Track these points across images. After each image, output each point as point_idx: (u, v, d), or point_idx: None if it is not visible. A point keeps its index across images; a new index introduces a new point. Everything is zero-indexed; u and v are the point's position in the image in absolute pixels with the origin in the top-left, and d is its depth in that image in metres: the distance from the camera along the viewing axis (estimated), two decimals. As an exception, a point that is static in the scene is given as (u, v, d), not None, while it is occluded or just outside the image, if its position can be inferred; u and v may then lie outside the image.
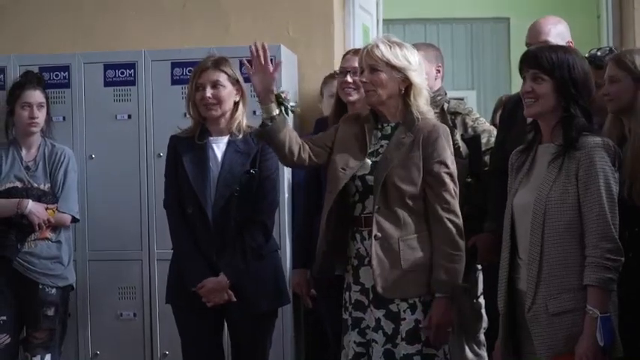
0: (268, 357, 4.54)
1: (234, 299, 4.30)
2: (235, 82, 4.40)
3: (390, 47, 3.94)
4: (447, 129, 3.98)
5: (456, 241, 3.87)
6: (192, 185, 4.34)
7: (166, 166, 4.47)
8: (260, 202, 4.37)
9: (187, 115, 5.07)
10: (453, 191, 3.90)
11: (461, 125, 4.90)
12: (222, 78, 4.37)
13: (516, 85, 9.48)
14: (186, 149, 4.41)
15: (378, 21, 6.67)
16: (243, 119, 4.42)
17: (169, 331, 5.14)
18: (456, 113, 4.92)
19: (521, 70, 3.64)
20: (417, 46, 4.97)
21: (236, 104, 4.40)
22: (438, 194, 3.88)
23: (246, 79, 4.26)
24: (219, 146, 4.40)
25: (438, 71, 5.04)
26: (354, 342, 3.98)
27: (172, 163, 4.44)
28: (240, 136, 4.39)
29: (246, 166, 4.36)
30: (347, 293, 4.04)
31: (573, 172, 3.42)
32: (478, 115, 5.00)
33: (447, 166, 3.89)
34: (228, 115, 4.40)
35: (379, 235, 3.89)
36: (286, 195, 5.10)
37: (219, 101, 4.36)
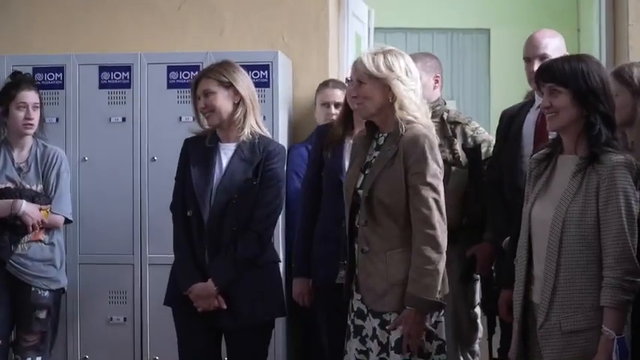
0: None
1: (224, 306, 4.27)
2: (229, 85, 4.34)
3: (374, 58, 3.92)
4: (431, 137, 3.87)
5: (428, 256, 3.77)
6: (194, 188, 4.34)
7: (177, 168, 4.46)
8: (258, 212, 4.32)
9: (182, 119, 5.13)
10: (431, 203, 3.79)
11: (461, 135, 4.92)
12: (212, 85, 4.33)
13: (495, 96, 9.68)
14: (196, 152, 4.41)
15: (369, 29, 6.69)
16: (255, 125, 4.37)
17: (160, 336, 5.27)
18: (455, 123, 4.94)
19: (538, 86, 3.62)
20: (414, 56, 4.94)
21: (237, 106, 4.34)
22: (415, 207, 3.81)
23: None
24: (226, 152, 4.38)
25: (437, 81, 5.04)
26: (356, 349, 3.99)
27: (182, 166, 4.43)
28: (248, 143, 4.36)
29: (248, 174, 4.33)
30: (351, 301, 4.04)
31: (593, 189, 3.36)
32: (477, 125, 5.02)
33: (424, 177, 3.80)
34: (232, 119, 4.36)
35: (366, 249, 3.91)
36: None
37: (212, 109, 4.33)
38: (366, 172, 3.95)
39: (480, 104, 10.03)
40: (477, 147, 4.91)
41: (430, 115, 4.09)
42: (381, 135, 4.00)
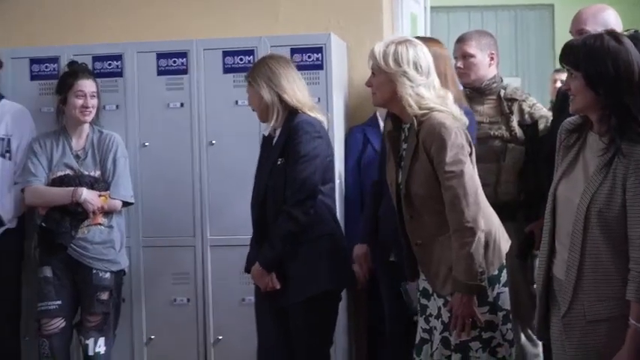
0: (328, 342, 4.58)
1: (277, 286, 4.40)
2: (251, 83, 4.51)
3: (384, 51, 3.91)
4: (448, 124, 3.81)
5: (459, 242, 3.77)
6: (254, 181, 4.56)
7: None
8: (287, 191, 4.38)
9: (239, 103, 5.21)
10: (456, 190, 3.77)
11: (517, 112, 4.95)
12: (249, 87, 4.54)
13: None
14: (262, 143, 4.61)
15: (425, 9, 6.68)
16: (296, 105, 4.45)
17: (222, 316, 5.37)
18: (512, 100, 4.97)
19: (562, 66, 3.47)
20: (468, 35, 5.09)
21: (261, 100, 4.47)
22: (443, 195, 3.82)
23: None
24: (274, 141, 4.53)
25: (492, 58, 5.05)
26: (421, 328, 4.07)
27: None
28: (283, 127, 4.47)
29: (275, 158, 4.43)
30: (417, 280, 4.11)
31: (620, 181, 3.24)
32: (535, 101, 5.03)
33: (444, 166, 3.78)
34: (270, 111, 4.48)
35: (419, 241, 3.96)
36: (337, 181, 5.09)
37: (252, 104, 4.54)
38: (401, 165, 3.98)
39: (544, 81, 9.93)
40: (534, 123, 4.94)
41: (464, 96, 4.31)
42: (404, 125, 4.01)
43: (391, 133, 4.08)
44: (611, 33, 3.38)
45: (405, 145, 3.99)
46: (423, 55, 3.92)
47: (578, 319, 3.35)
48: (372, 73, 3.98)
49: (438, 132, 3.79)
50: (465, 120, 3.99)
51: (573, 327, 3.37)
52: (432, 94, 3.89)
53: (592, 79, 3.27)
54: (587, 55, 3.28)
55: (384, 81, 3.91)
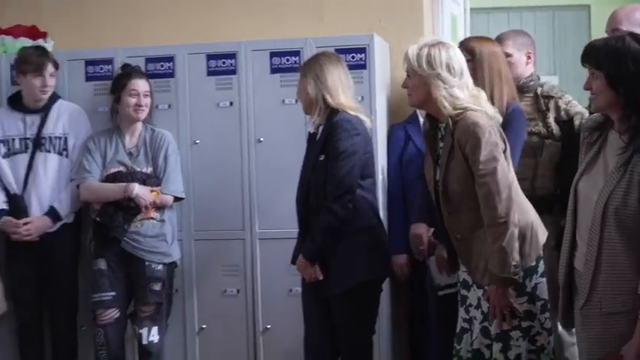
0: (370, 330, 4.68)
1: (320, 277, 4.52)
2: (303, 75, 4.66)
3: (418, 54, 3.99)
4: (481, 123, 3.88)
5: (492, 236, 3.83)
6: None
7: None
8: (327, 186, 4.49)
9: (285, 102, 5.30)
10: (489, 187, 3.83)
11: (554, 108, 4.99)
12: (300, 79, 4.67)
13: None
14: (308, 140, 4.73)
15: (465, 10, 6.73)
16: (337, 105, 4.56)
17: (270, 306, 5.42)
18: (549, 97, 5.02)
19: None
20: (505, 34, 5.08)
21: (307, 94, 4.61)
22: (478, 192, 3.88)
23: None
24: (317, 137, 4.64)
25: (529, 57, 5.10)
26: (461, 317, 4.14)
27: None
28: (326, 124, 4.58)
29: (316, 155, 4.55)
30: (457, 272, 4.19)
31: (636, 179, 3.29)
32: (571, 98, 5.07)
33: (478, 164, 3.85)
34: (313, 106, 4.61)
35: (458, 236, 4.03)
36: (380, 176, 5.15)
37: (299, 97, 4.69)
38: (439, 163, 4.04)
39: (581, 79, 9.92)
40: (570, 120, 4.98)
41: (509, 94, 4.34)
42: (441, 124, 4.08)
43: (428, 132, 4.16)
44: (633, 34, 3.42)
45: (441, 144, 4.06)
46: (456, 56, 3.99)
47: (594, 311, 3.42)
48: (407, 75, 4.07)
49: (472, 131, 3.86)
50: (499, 117, 4.07)
51: (591, 318, 3.44)
52: (465, 94, 3.96)
53: (613, 78, 3.30)
54: (608, 55, 3.32)
55: (419, 83, 4.00)
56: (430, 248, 4.79)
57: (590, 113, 3.54)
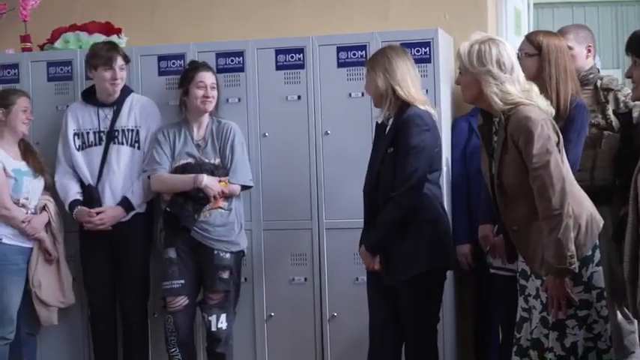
0: (434, 318, 4.74)
1: (376, 267, 4.62)
2: (371, 69, 4.70)
3: (469, 51, 4.03)
4: (533, 117, 3.91)
5: (547, 227, 3.87)
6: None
7: None
8: (395, 180, 4.53)
9: (352, 95, 5.38)
10: (543, 179, 3.85)
11: (613, 101, 5.01)
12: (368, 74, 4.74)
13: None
14: (376, 129, 4.80)
15: (529, 5, 6.75)
16: (407, 97, 4.61)
17: (337, 294, 5.51)
18: (608, 89, 5.03)
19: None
20: (566, 28, 5.08)
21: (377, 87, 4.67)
22: (533, 184, 3.91)
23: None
24: (387, 129, 4.70)
25: (589, 50, 5.12)
26: (521, 307, 4.19)
27: None
28: (396, 117, 4.63)
29: (385, 147, 4.61)
30: (516, 262, 4.25)
31: None
32: (630, 91, 4.97)
33: (531, 158, 3.87)
34: (383, 99, 4.67)
35: (515, 228, 4.08)
36: (444, 168, 5.18)
37: (368, 91, 4.78)
38: (494, 157, 4.10)
39: (644, 72, 9.94)
40: (629, 112, 5.00)
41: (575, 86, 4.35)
42: (494, 119, 4.14)
43: (482, 126, 4.22)
44: None
45: (495, 138, 4.13)
46: (506, 52, 4.02)
47: None
48: (460, 72, 4.13)
49: (524, 125, 3.90)
50: (552, 110, 4.10)
51: None
52: (517, 89, 3.99)
53: None
54: None
55: (471, 80, 4.05)
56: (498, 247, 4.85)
57: (632, 101, 3.49)
